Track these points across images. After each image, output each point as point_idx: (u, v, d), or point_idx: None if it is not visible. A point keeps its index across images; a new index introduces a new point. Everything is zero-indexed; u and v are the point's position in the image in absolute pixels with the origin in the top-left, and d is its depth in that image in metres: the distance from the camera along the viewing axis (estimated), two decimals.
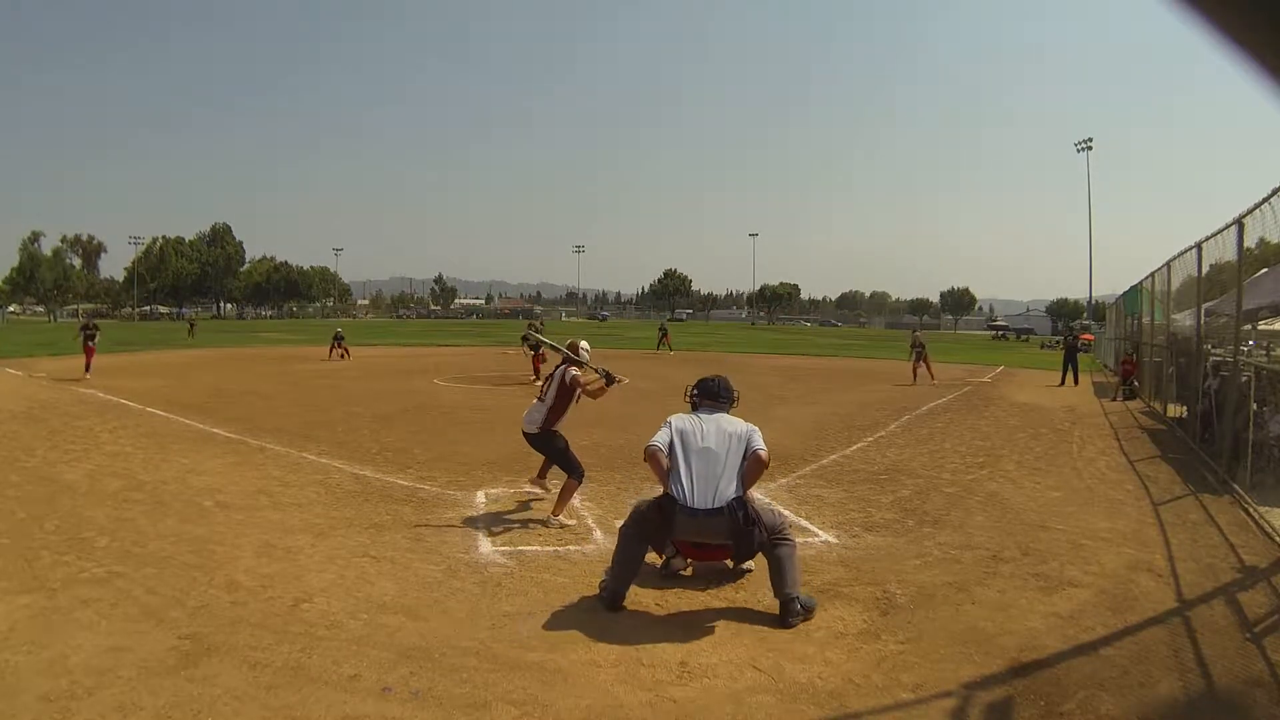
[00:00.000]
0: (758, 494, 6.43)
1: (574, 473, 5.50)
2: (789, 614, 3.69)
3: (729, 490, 3.86)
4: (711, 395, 4.28)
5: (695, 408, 4.28)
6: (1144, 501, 6.37)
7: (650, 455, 3.99)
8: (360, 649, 3.30)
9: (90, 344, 15.65)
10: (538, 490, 6.05)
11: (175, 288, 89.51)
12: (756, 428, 4.12)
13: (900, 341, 36.95)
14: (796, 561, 3.91)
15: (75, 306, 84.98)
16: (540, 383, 15.42)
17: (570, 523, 5.39)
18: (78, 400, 11.78)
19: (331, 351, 22.17)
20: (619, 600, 3.85)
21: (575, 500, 5.95)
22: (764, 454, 3.99)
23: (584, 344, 6.00)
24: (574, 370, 5.64)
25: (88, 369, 15.13)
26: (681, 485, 3.87)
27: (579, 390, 5.60)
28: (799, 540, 5.07)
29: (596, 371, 5.82)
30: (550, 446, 5.61)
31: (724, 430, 4.03)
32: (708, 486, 3.85)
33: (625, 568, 3.89)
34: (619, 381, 5.82)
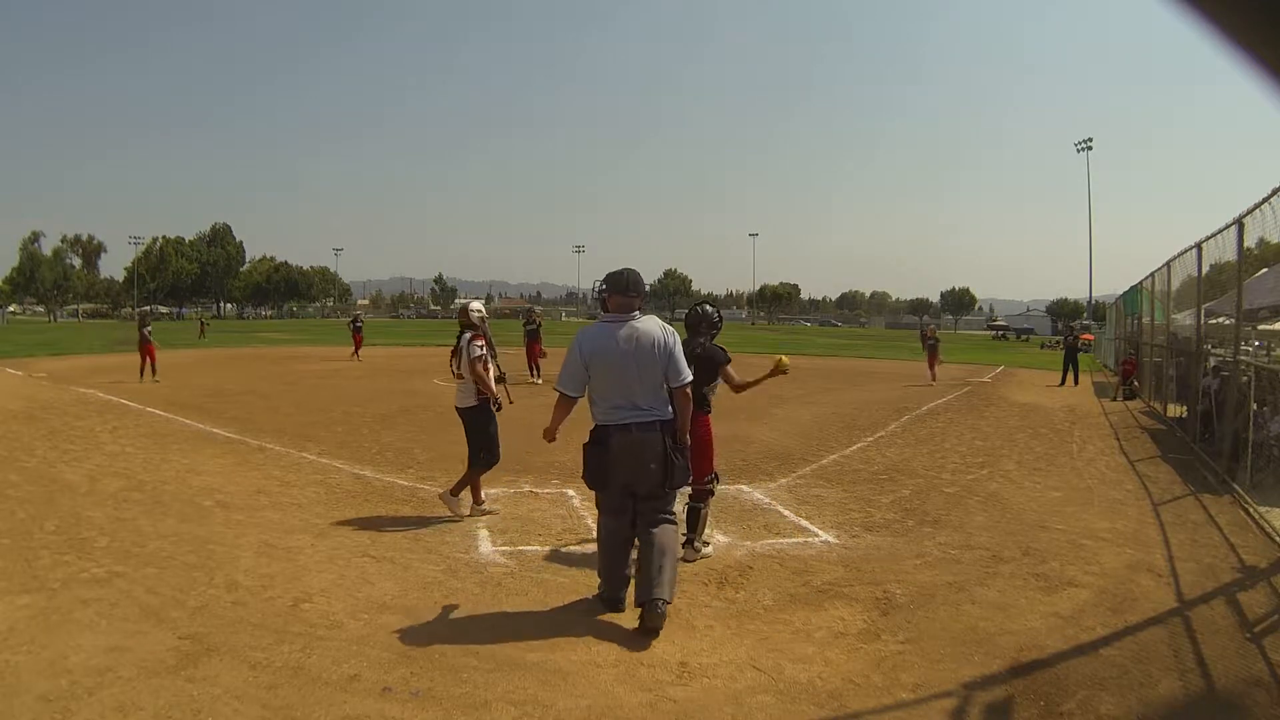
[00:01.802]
0: (759, 493, 6.44)
1: (476, 461, 5.38)
2: (653, 612, 3.46)
3: (658, 406, 3.66)
4: (621, 290, 3.76)
5: (603, 308, 3.83)
6: (1144, 501, 6.37)
7: (560, 402, 3.73)
8: (360, 649, 3.30)
9: (149, 343, 14.76)
10: (480, 511, 5.47)
11: (175, 288, 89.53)
12: (675, 334, 3.77)
13: (901, 342, 36.99)
14: (677, 557, 3.68)
15: (75, 306, 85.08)
16: (532, 375, 15.33)
17: (494, 510, 5.38)
18: (78, 400, 11.79)
19: (355, 351, 21.58)
20: (620, 603, 3.78)
21: (575, 501, 5.95)
22: (687, 388, 3.74)
23: (474, 304, 5.70)
24: (478, 344, 5.34)
25: (154, 370, 14.53)
26: (612, 406, 3.63)
27: (486, 367, 5.32)
28: (798, 540, 5.10)
29: (494, 364, 5.44)
30: (479, 423, 5.40)
31: (640, 339, 3.65)
32: (637, 401, 3.62)
33: (612, 566, 3.80)
34: (506, 391, 5.55)
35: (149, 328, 15.29)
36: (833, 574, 4.42)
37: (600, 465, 3.69)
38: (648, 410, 3.64)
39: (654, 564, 3.59)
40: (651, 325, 3.75)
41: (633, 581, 3.76)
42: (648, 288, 4.11)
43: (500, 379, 5.58)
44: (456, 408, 5.54)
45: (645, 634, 3.47)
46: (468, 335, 5.43)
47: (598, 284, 3.91)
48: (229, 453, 7.80)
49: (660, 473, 3.65)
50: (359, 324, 23.00)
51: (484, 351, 5.39)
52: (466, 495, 5.56)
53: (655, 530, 3.69)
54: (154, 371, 14.63)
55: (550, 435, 3.84)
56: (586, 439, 3.77)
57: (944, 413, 12.36)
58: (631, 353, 3.64)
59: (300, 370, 18.78)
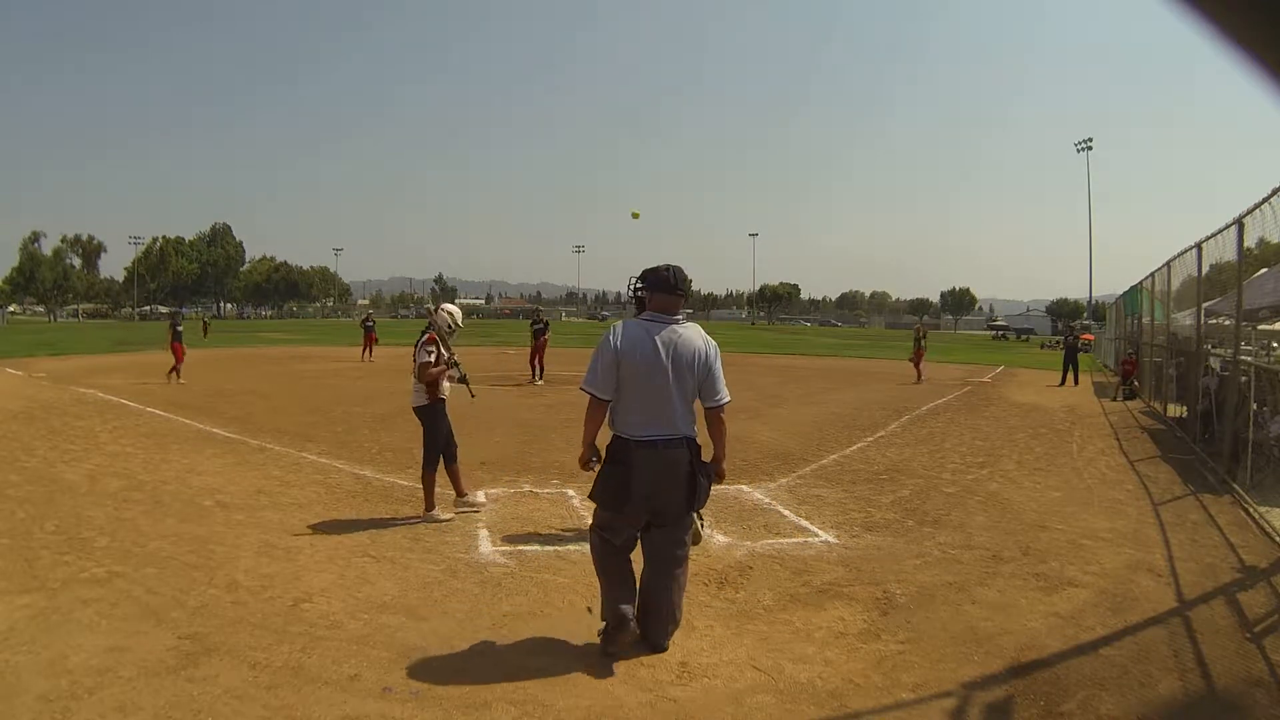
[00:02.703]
0: (759, 493, 6.44)
1: (429, 462, 5.40)
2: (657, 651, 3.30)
3: (685, 422, 3.32)
4: (666, 288, 3.37)
5: (641, 306, 3.46)
6: (1144, 501, 6.37)
7: (591, 408, 3.34)
8: (360, 649, 3.30)
9: (178, 342, 14.72)
10: (469, 505, 5.56)
11: (175, 287, 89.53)
12: (716, 348, 3.43)
13: (901, 342, 36.98)
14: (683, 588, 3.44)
15: (75, 306, 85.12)
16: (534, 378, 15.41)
17: (446, 517, 5.36)
18: (78, 400, 11.78)
19: (365, 351, 21.36)
20: (626, 622, 3.29)
21: (575, 501, 5.95)
22: (724, 411, 3.40)
23: (449, 307, 5.67)
24: (425, 353, 5.32)
25: (178, 372, 14.40)
26: (635, 416, 3.27)
27: (434, 376, 5.30)
28: (798, 540, 5.10)
29: (450, 362, 5.43)
30: (430, 422, 5.42)
31: (679, 349, 3.30)
32: (665, 414, 3.27)
33: (613, 584, 3.39)
34: (467, 386, 5.58)
35: (181, 327, 15.32)
36: (833, 574, 4.42)
37: (619, 485, 3.29)
38: (674, 426, 3.29)
39: (667, 610, 3.37)
40: (694, 334, 3.38)
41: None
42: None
43: (462, 380, 5.61)
44: (413, 408, 5.55)
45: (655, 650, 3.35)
46: (425, 336, 5.41)
47: (633, 281, 3.50)
48: (229, 453, 7.80)
49: (685, 494, 3.32)
50: (370, 323, 22.79)
51: (430, 358, 5.34)
52: (446, 497, 5.58)
53: (675, 574, 3.40)
54: (178, 374, 14.49)
55: (585, 460, 3.39)
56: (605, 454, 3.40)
57: (944, 413, 12.36)
58: (668, 361, 3.27)
59: (300, 370, 18.78)
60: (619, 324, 3.39)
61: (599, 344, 3.37)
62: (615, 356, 3.28)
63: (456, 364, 5.52)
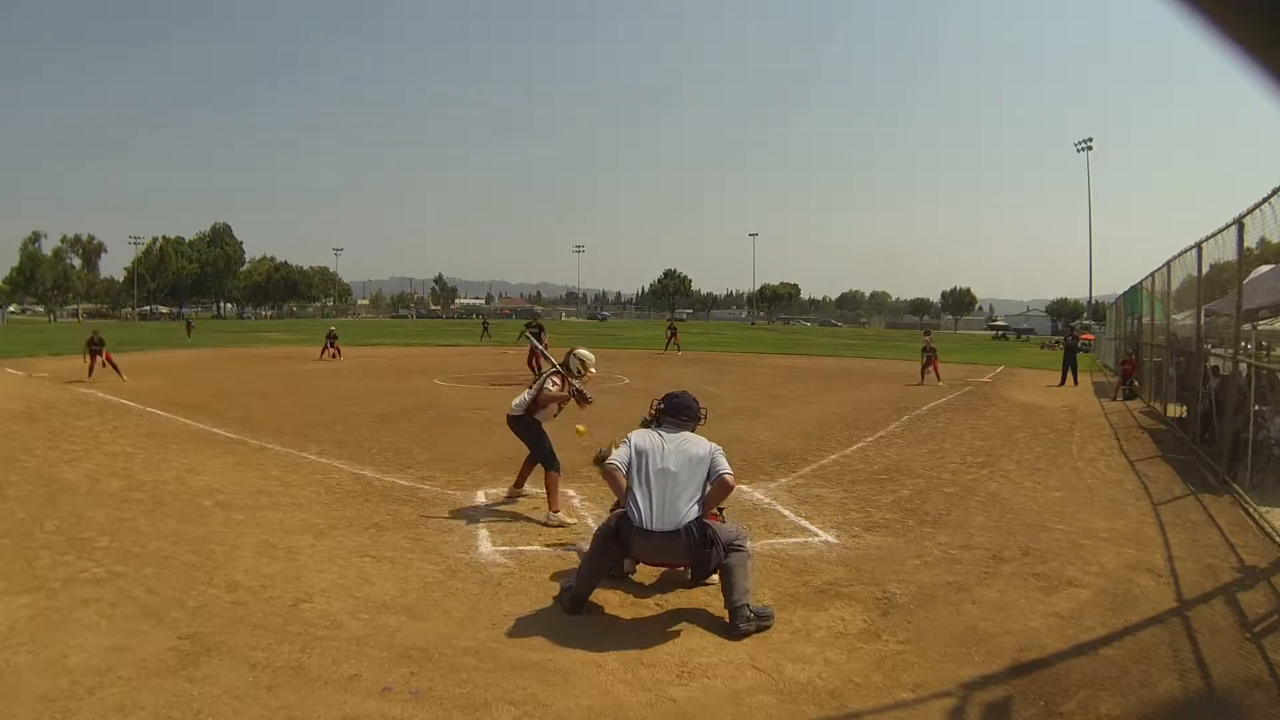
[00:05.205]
0: (759, 493, 6.44)
1: (549, 464, 5.53)
2: (739, 619, 3.57)
3: (688, 513, 3.78)
4: (675, 413, 4.20)
5: (658, 424, 4.21)
6: (1144, 501, 6.37)
7: (609, 474, 3.96)
8: (360, 649, 3.30)
9: (96, 356, 15.00)
10: (518, 495, 5.98)
11: (175, 288, 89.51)
12: (720, 448, 4.04)
13: (901, 342, 37.09)
14: (749, 569, 3.79)
15: (75, 306, 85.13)
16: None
17: (571, 520, 5.39)
18: (78, 400, 11.79)
19: (324, 352, 22.12)
20: (581, 605, 3.80)
21: (575, 500, 5.95)
22: (730, 478, 3.90)
23: (582, 351, 5.94)
24: (552, 383, 5.67)
25: (91, 372, 14.85)
26: (638, 507, 3.80)
27: (552, 401, 5.68)
28: (798, 540, 5.10)
29: (572, 390, 5.73)
30: (529, 433, 5.67)
31: (686, 451, 3.95)
32: (665, 509, 3.78)
33: (593, 572, 3.86)
34: (587, 402, 5.77)
35: (97, 347, 15.26)
36: (833, 574, 4.42)
37: (616, 553, 3.91)
38: (676, 517, 3.77)
39: (732, 580, 3.70)
40: (697, 440, 4.06)
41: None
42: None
43: (579, 398, 5.78)
44: (508, 416, 5.80)
45: (732, 634, 3.55)
46: (552, 379, 5.69)
47: (655, 403, 4.36)
48: (229, 453, 7.80)
49: (692, 562, 3.87)
50: (333, 335, 23.17)
51: (553, 389, 5.66)
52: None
53: (727, 569, 3.74)
54: (90, 373, 14.59)
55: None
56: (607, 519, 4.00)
57: (944, 413, 12.36)
58: (669, 455, 3.92)
59: (300, 370, 18.78)
60: (634, 434, 4.11)
61: (623, 441, 4.09)
62: (629, 448, 4.01)
63: (580, 392, 5.76)
